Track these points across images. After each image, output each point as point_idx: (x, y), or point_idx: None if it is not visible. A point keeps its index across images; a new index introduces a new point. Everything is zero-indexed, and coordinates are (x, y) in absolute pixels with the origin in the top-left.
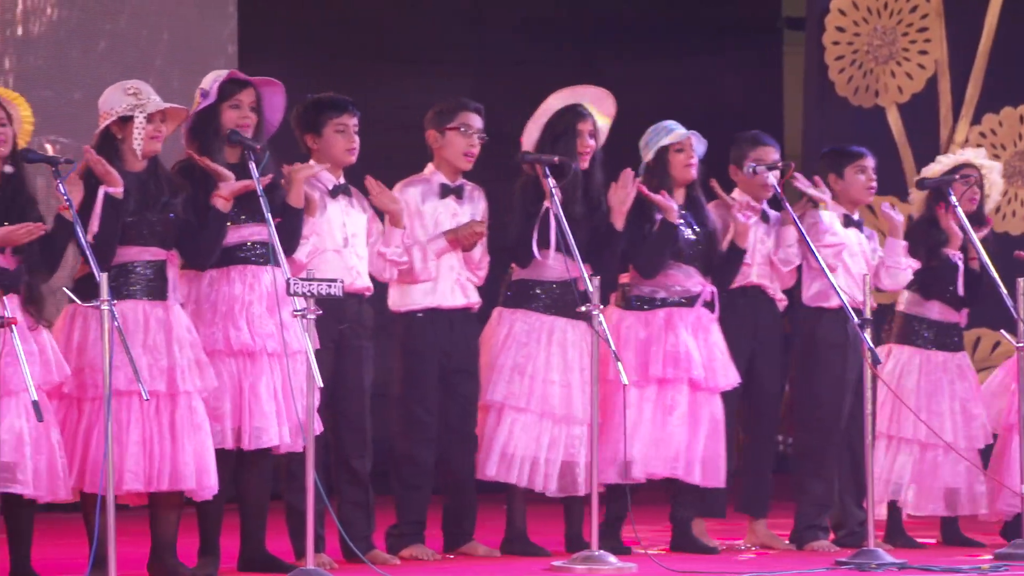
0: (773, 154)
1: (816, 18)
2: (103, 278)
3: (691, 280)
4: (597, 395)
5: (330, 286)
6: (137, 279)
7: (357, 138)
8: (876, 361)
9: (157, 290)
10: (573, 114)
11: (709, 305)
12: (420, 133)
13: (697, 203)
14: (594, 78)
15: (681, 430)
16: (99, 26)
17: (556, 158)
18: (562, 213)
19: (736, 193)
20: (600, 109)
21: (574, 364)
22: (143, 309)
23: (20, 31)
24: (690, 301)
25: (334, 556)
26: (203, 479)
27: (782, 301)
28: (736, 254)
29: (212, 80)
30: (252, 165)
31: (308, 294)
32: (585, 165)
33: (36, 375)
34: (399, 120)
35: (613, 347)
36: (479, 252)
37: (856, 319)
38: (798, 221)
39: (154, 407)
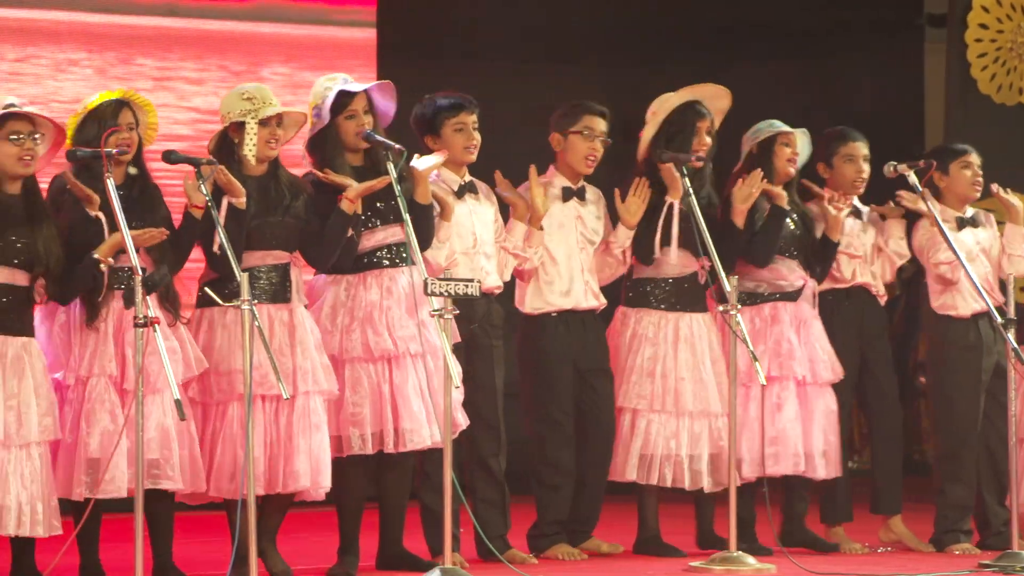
0: (864, 149)
1: (959, 15)
2: (244, 278)
3: (794, 274)
4: (736, 393)
5: (467, 286)
6: (262, 283)
7: (477, 135)
8: (1023, 361)
9: (281, 293)
10: (693, 112)
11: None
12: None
13: (793, 199)
14: (730, 78)
15: (795, 426)
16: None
17: (694, 157)
18: (698, 210)
19: (826, 191)
20: (714, 107)
21: (704, 359)
22: (267, 312)
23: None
24: (792, 295)
25: (469, 555)
26: (317, 479)
27: (883, 297)
28: (829, 247)
29: (321, 95)
30: (390, 165)
31: (446, 294)
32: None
33: (176, 372)
34: (536, 119)
35: (751, 347)
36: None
37: (999, 319)
38: (939, 220)
39: (274, 409)
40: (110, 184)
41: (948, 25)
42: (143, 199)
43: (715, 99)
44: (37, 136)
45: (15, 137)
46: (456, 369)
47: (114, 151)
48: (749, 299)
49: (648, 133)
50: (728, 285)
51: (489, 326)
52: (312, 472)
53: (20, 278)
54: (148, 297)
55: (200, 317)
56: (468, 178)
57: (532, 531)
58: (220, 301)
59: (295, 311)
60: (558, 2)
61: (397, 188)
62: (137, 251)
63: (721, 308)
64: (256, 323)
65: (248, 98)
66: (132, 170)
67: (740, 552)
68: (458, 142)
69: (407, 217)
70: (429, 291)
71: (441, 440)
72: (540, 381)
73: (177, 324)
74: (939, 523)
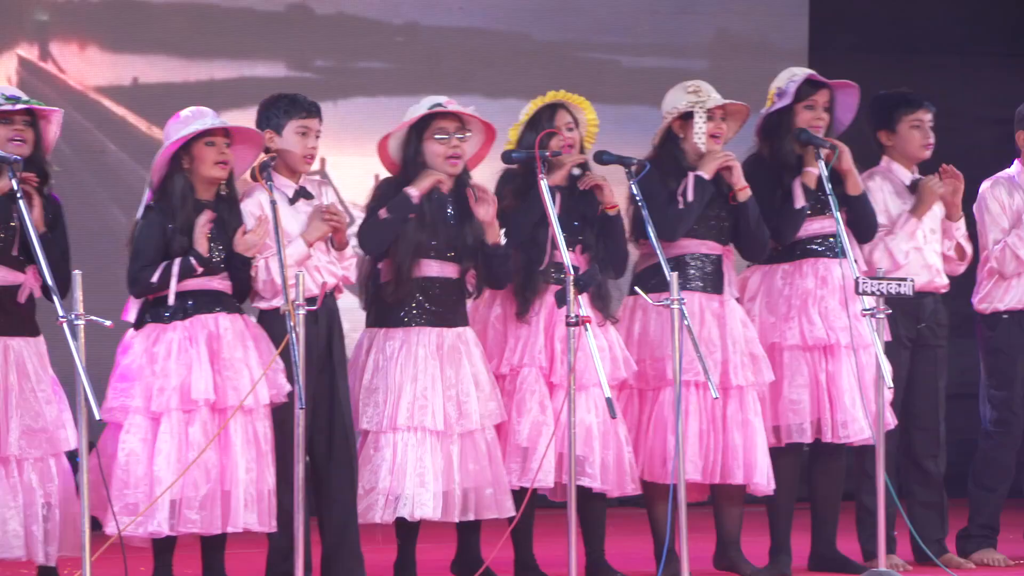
0: None
1: None
2: (673, 277)
3: None
4: None
5: (900, 285)
6: (694, 272)
7: (932, 133)
8: None
9: (713, 283)
10: None
11: None
12: (1001, 128)
13: None
14: None
15: None
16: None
17: None
18: None
19: None
20: None
21: None
22: (699, 301)
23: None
24: None
25: (906, 558)
26: (751, 474)
27: None
28: None
29: (787, 80)
30: (821, 164)
31: (878, 293)
32: None
33: (605, 371)
34: (980, 116)
35: None
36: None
37: None
38: None
39: (709, 399)
40: (543, 185)
41: None
42: (585, 199)
43: None
44: (464, 135)
45: (441, 136)
46: (888, 368)
47: (548, 153)
48: None
49: None
50: None
51: (936, 325)
52: (746, 467)
53: (451, 271)
54: (580, 296)
55: (634, 305)
56: (918, 175)
57: (961, 533)
58: (648, 299)
59: (726, 303)
60: None
61: (827, 185)
62: (572, 249)
63: None
64: (686, 322)
65: (693, 91)
66: (576, 171)
67: None
68: (914, 139)
69: (838, 216)
70: (860, 290)
71: (869, 438)
72: (991, 381)
73: (607, 324)
74: None
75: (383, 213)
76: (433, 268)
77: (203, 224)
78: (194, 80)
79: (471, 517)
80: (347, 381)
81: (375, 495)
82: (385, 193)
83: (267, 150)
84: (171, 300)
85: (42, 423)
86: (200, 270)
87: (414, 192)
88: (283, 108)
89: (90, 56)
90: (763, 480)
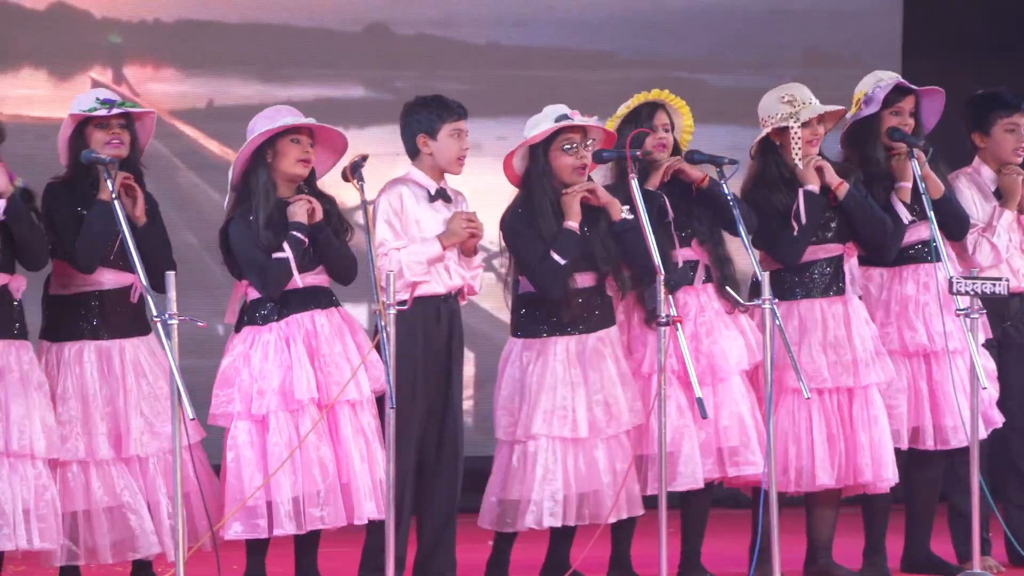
0: None
1: None
2: (765, 277)
3: None
4: None
5: (995, 284)
6: (815, 277)
7: None
8: None
9: (833, 285)
10: None
11: None
12: None
13: None
14: None
15: None
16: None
17: None
18: None
19: None
20: None
21: None
22: (820, 307)
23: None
24: None
25: (1000, 559)
26: (880, 471)
27: None
28: None
29: (873, 85)
30: (914, 163)
31: (972, 292)
32: None
33: (739, 358)
34: None
35: None
36: None
37: None
38: None
39: (836, 401)
40: (634, 184)
41: None
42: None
43: None
44: (589, 143)
45: (569, 147)
46: (982, 369)
47: (637, 152)
48: None
49: None
50: None
51: (1022, 324)
52: (873, 465)
53: (588, 280)
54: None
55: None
56: None
57: None
58: (741, 301)
59: (849, 302)
60: None
61: (921, 184)
62: (689, 246)
63: None
64: (777, 322)
65: (788, 100)
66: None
67: None
68: (1007, 143)
69: (931, 215)
70: (954, 290)
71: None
72: None
73: (736, 312)
74: None
75: (558, 258)
76: (574, 280)
77: (299, 200)
78: (271, 101)
79: (623, 516)
80: (462, 385)
81: (507, 504)
82: (528, 225)
83: (415, 154)
84: (299, 282)
85: (162, 419)
86: (307, 241)
87: (574, 225)
88: (435, 112)
89: (164, 78)
90: (892, 476)
